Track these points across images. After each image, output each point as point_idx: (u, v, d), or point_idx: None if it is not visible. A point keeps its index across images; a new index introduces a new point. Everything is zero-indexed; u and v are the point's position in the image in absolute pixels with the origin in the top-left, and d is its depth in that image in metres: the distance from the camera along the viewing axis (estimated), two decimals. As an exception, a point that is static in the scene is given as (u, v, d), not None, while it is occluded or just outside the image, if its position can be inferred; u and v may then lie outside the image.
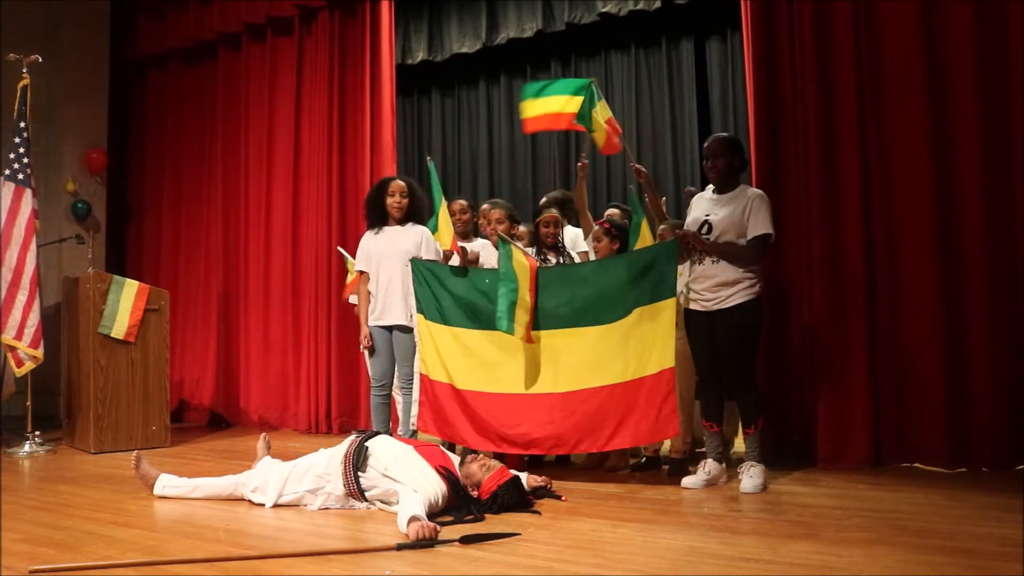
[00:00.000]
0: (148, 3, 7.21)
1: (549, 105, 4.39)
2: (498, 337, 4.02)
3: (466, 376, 4.13)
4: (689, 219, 3.88)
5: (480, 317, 4.10)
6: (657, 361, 3.75)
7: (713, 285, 3.68)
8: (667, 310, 3.76)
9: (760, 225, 3.66)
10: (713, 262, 3.69)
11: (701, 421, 3.93)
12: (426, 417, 4.23)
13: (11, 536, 3.02)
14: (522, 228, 4.51)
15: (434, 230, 4.49)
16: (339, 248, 5.64)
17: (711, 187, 3.89)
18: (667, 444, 4.20)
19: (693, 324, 3.81)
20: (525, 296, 3.97)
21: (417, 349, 4.31)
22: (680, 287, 3.82)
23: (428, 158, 4.73)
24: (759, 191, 3.77)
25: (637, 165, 4.31)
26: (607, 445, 3.88)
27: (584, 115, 4.34)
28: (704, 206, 3.84)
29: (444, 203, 4.54)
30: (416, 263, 4.30)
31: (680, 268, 3.83)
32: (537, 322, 4.01)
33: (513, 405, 4.00)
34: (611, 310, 3.88)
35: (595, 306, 3.91)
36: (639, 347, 3.79)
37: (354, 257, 4.68)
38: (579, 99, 4.32)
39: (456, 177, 7.90)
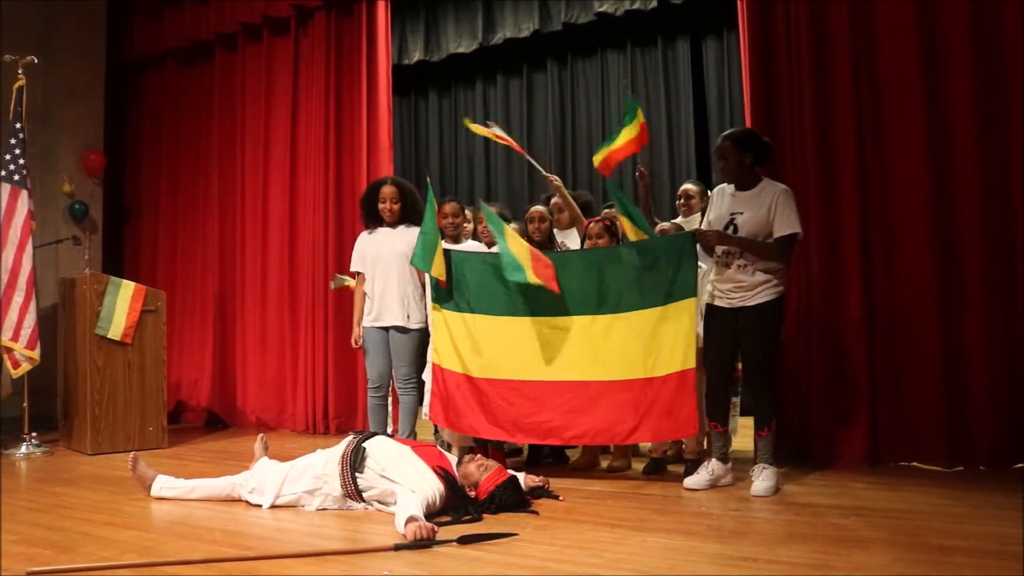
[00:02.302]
0: (144, 3, 7.20)
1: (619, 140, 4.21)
2: (516, 323, 3.99)
3: (483, 364, 4.06)
4: (712, 216, 3.77)
5: (498, 303, 4.05)
6: (682, 360, 3.72)
7: (736, 287, 3.62)
8: (690, 309, 3.73)
9: (786, 225, 3.56)
10: (740, 267, 3.61)
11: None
12: (436, 407, 4.17)
13: (9, 537, 3.01)
14: (514, 225, 4.52)
15: (422, 264, 4.12)
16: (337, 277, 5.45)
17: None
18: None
19: (715, 320, 3.73)
20: (525, 256, 3.90)
21: (431, 338, 4.28)
22: (705, 285, 3.78)
23: (427, 176, 4.42)
24: (783, 187, 3.66)
25: (643, 169, 4.27)
26: (628, 439, 3.85)
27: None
28: (727, 202, 3.72)
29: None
30: None
31: (704, 265, 3.81)
32: (555, 308, 3.95)
33: (533, 392, 3.96)
34: (629, 299, 3.84)
35: (612, 293, 3.88)
36: (665, 343, 3.76)
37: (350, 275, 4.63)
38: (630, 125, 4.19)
39: (452, 177, 7.92)
